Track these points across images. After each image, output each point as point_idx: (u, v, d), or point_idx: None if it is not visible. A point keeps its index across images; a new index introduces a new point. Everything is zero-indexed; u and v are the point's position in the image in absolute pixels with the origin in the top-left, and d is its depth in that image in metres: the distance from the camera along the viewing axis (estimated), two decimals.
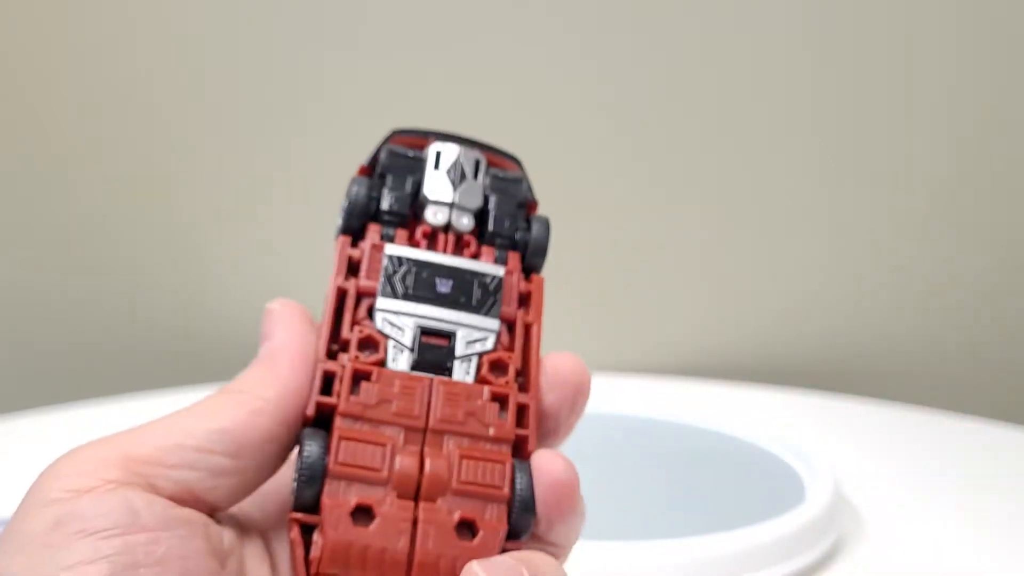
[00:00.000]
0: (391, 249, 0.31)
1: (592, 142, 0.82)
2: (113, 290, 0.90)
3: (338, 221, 0.32)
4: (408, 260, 0.31)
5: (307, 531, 0.27)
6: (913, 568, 0.55)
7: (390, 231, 0.31)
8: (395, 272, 0.31)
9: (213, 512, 0.28)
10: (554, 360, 0.30)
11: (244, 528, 0.29)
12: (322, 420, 0.28)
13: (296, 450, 0.28)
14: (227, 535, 0.28)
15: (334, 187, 0.83)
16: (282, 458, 0.28)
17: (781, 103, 0.80)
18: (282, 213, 0.86)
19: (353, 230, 0.31)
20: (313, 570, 0.26)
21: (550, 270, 0.32)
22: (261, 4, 0.82)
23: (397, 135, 0.33)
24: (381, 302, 0.30)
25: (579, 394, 0.30)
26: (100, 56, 0.84)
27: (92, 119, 0.86)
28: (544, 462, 0.28)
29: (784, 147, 0.81)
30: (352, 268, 0.31)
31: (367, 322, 0.30)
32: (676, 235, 0.83)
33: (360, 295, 0.30)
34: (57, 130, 0.87)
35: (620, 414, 0.69)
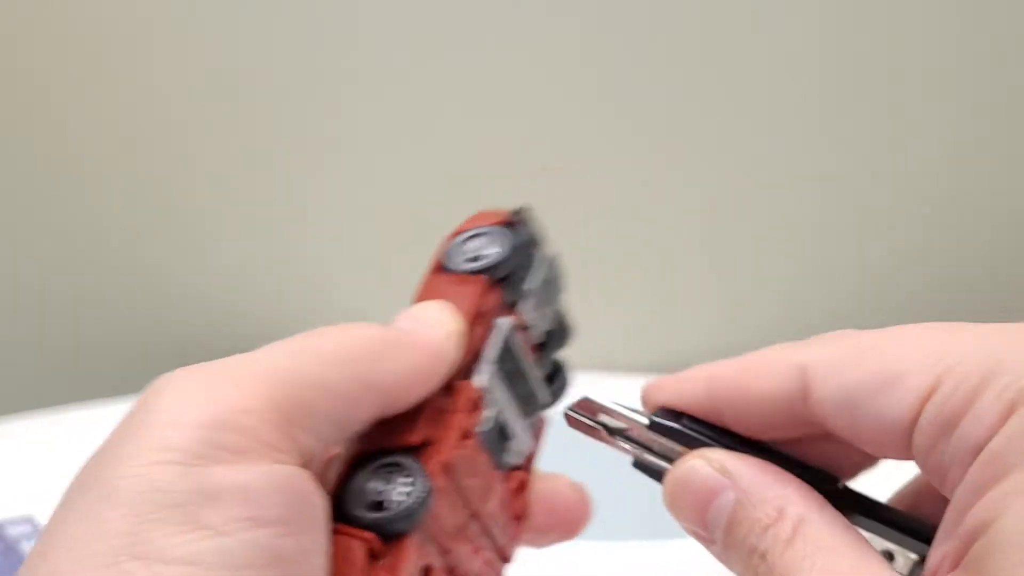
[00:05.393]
0: (506, 322, 0.28)
1: (589, 138, 0.82)
2: (120, 289, 0.90)
3: (464, 264, 0.28)
4: (517, 344, 0.29)
5: None
6: None
7: (510, 299, 0.29)
8: (508, 348, 0.28)
9: None
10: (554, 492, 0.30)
11: None
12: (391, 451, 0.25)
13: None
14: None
15: (343, 186, 0.83)
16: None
17: (789, 109, 0.80)
18: (296, 213, 0.86)
19: (496, 278, 0.28)
20: None
21: None
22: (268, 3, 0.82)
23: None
24: (487, 367, 0.27)
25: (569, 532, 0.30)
26: (109, 55, 0.84)
27: (96, 117, 0.86)
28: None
29: (790, 144, 0.81)
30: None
31: (471, 379, 0.27)
32: (678, 235, 0.83)
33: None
34: (63, 128, 0.87)
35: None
